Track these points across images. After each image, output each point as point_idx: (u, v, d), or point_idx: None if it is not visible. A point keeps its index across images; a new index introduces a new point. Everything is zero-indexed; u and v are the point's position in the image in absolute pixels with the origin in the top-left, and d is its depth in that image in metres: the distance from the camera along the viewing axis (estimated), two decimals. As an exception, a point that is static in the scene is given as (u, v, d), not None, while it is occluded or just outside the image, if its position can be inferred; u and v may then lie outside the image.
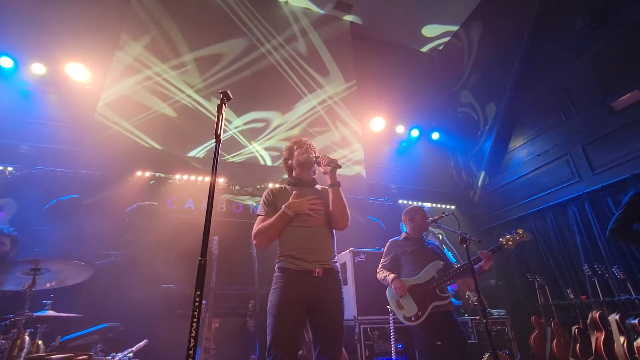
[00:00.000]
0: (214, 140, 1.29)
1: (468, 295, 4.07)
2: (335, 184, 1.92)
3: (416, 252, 2.78)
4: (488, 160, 5.63)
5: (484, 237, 2.54)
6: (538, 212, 4.75)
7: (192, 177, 4.13)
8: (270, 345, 1.61)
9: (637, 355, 3.11)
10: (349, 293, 3.41)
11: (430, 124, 6.14)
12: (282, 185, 2.08)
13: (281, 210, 1.84)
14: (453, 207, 5.77)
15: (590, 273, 3.81)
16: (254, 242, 1.85)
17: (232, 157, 4.59)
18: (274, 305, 1.71)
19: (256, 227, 1.87)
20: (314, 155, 2.03)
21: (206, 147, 4.48)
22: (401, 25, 6.47)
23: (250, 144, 4.72)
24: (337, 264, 1.91)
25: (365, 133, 5.66)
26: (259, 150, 4.74)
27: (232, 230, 3.87)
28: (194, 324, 1.01)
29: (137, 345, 2.23)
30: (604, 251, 3.84)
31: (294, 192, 1.95)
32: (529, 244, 4.86)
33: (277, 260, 1.87)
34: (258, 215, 1.95)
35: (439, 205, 5.69)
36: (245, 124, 4.82)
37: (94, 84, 4.19)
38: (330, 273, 1.83)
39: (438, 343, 2.62)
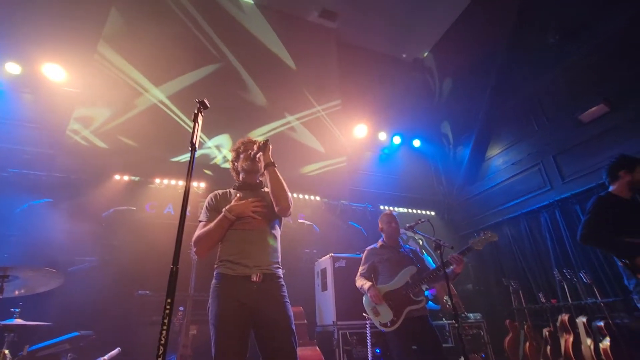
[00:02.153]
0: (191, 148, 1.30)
1: (446, 300, 4.16)
2: (269, 164, 1.82)
3: (392, 259, 2.84)
4: (466, 168, 5.80)
5: (462, 243, 2.62)
6: (513, 218, 4.93)
7: (173, 182, 4.08)
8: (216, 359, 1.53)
9: (603, 357, 3.25)
10: (328, 298, 3.44)
11: (411, 132, 6.28)
12: (226, 190, 2.00)
13: (221, 214, 1.74)
14: (433, 213, 5.91)
15: (560, 278, 3.97)
16: (194, 249, 1.74)
17: (214, 161, 4.57)
18: (214, 316, 1.61)
19: (196, 233, 1.77)
20: (257, 159, 1.90)
21: (204, 147, 4.47)
22: (384, 33, 6.62)
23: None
24: (280, 270, 1.82)
25: (348, 139, 5.73)
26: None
27: (212, 236, 3.84)
28: (164, 331, 1.01)
29: (109, 354, 2.18)
30: (572, 257, 4.02)
31: (237, 195, 1.87)
32: (503, 249, 5.03)
33: (216, 266, 1.77)
34: (200, 221, 1.84)
35: (419, 211, 5.81)
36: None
37: (71, 86, 4.09)
38: (272, 279, 1.74)
39: (414, 347, 2.67)
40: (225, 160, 4.49)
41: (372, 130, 5.89)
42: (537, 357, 3.92)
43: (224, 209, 1.75)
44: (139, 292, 3.11)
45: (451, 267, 2.55)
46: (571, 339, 3.63)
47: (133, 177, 3.99)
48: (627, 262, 2.24)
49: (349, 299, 3.27)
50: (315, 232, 4.26)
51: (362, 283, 2.82)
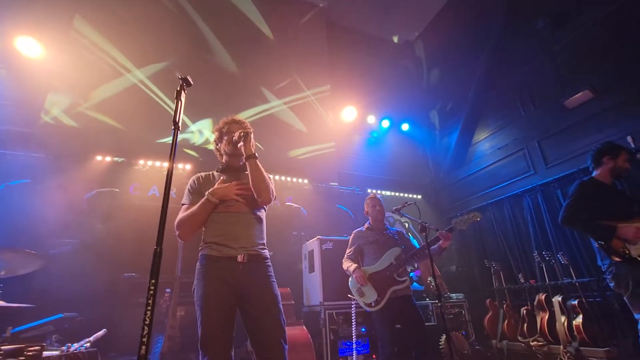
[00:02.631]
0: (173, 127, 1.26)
1: (430, 281, 4.29)
2: (250, 156, 1.77)
3: (377, 242, 2.90)
4: (453, 152, 5.86)
5: (447, 225, 2.68)
6: (497, 202, 5.05)
7: (157, 164, 4.00)
8: (201, 346, 1.54)
9: (575, 333, 3.44)
10: (315, 280, 3.49)
11: (400, 115, 6.27)
12: (209, 172, 1.96)
13: (204, 197, 1.72)
14: (419, 196, 5.99)
15: (539, 259, 4.12)
16: (177, 233, 1.72)
17: (201, 143, 4.47)
18: (200, 297, 1.61)
19: (179, 216, 1.74)
20: (240, 144, 1.84)
21: (187, 132, 4.36)
22: (374, 15, 6.48)
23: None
24: (266, 251, 1.82)
25: (336, 122, 5.69)
26: None
27: (198, 219, 3.80)
28: (149, 312, 1.00)
29: (94, 335, 2.17)
30: (552, 239, 4.17)
31: (220, 178, 1.85)
32: (487, 232, 5.17)
33: (200, 248, 1.76)
34: (182, 204, 1.81)
35: (406, 195, 5.88)
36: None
37: (48, 62, 3.89)
38: (257, 259, 1.74)
39: (397, 326, 2.76)
40: (208, 142, 4.41)
41: (361, 114, 5.85)
42: (514, 334, 4.11)
43: (207, 192, 1.73)
44: (125, 274, 3.09)
45: (438, 242, 2.59)
46: (547, 316, 3.81)
47: (116, 158, 3.88)
48: (603, 243, 2.35)
49: (335, 280, 3.33)
50: (303, 214, 4.27)
51: (348, 265, 2.87)
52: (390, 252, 2.82)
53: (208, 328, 1.55)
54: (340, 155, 5.54)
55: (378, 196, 3.15)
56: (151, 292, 1.02)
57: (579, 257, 3.85)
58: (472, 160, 5.61)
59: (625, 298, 2.31)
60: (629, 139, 3.55)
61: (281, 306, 1.71)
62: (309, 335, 3.04)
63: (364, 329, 3.31)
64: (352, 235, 3.07)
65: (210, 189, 1.74)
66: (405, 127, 6.31)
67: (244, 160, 1.95)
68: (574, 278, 3.70)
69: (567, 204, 2.50)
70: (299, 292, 3.76)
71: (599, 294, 3.59)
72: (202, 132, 4.48)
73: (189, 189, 1.85)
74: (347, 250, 3.01)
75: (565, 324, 3.55)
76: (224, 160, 1.98)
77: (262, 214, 1.91)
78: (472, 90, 5.55)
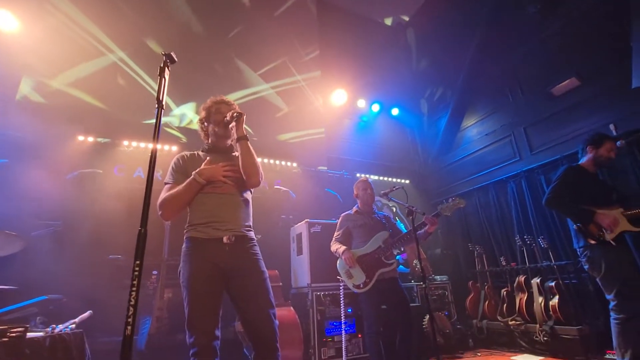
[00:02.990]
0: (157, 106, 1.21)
1: (415, 264, 4.39)
2: (241, 138, 1.75)
3: (366, 225, 2.93)
4: (442, 138, 5.90)
5: (433, 210, 2.73)
6: (482, 187, 5.15)
7: (143, 145, 3.89)
8: (188, 326, 1.54)
9: (551, 312, 3.60)
10: (303, 262, 3.52)
11: (390, 100, 6.24)
12: (194, 152, 1.92)
13: (191, 177, 1.68)
14: (407, 181, 6.05)
15: (520, 243, 4.26)
16: (159, 212, 1.68)
17: (186, 124, 4.37)
18: (186, 279, 1.61)
19: (162, 196, 1.70)
20: (230, 125, 1.82)
21: (171, 115, 4.23)
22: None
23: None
24: (252, 233, 1.82)
25: (326, 106, 5.63)
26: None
27: (186, 201, 3.76)
28: (133, 293, 0.99)
29: (80, 317, 2.16)
30: (533, 224, 4.30)
31: (207, 158, 1.80)
32: (471, 216, 5.29)
33: (186, 230, 1.74)
34: (166, 183, 1.77)
35: (394, 179, 5.93)
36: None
37: (24, 37, 3.67)
38: (244, 240, 1.73)
39: (383, 307, 2.84)
40: (192, 123, 4.31)
41: (351, 97, 5.79)
42: (494, 314, 4.28)
43: (193, 173, 1.69)
44: (110, 256, 3.05)
45: (425, 227, 2.65)
46: (525, 297, 3.97)
47: (99, 139, 3.76)
48: (581, 226, 2.46)
49: (323, 262, 3.37)
50: (292, 198, 4.27)
51: (336, 247, 2.90)
52: (378, 236, 2.86)
53: (194, 309, 1.54)
54: (330, 139, 5.51)
55: (369, 180, 3.16)
56: (136, 273, 1.01)
57: (558, 241, 3.99)
58: (460, 145, 5.67)
59: (598, 280, 2.43)
60: (612, 126, 3.63)
61: (269, 283, 1.72)
62: (297, 316, 3.09)
63: (350, 310, 3.39)
64: (341, 218, 3.09)
65: (197, 169, 1.70)
66: (395, 111, 6.29)
67: (231, 142, 1.94)
68: (553, 261, 3.85)
69: (552, 187, 2.59)
70: (287, 275, 3.80)
71: (575, 276, 3.75)
72: (185, 115, 4.37)
73: (172, 168, 1.81)
74: (336, 233, 3.04)
75: (542, 304, 3.71)
76: (210, 141, 1.94)
77: (249, 196, 1.90)
78: (462, 76, 5.55)
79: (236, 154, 1.90)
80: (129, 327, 0.96)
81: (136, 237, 1.07)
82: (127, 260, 3.20)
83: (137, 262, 1.02)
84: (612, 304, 2.33)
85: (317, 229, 3.60)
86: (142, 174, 3.79)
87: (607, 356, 3.11)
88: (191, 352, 1.51)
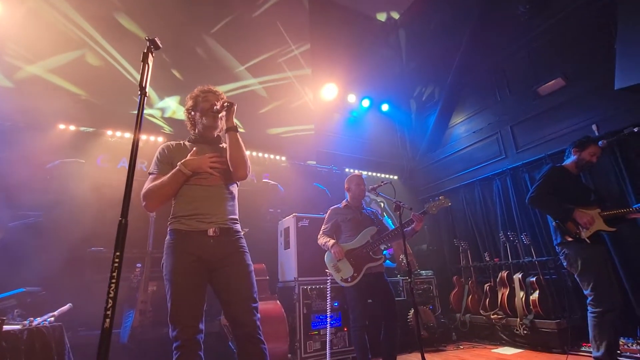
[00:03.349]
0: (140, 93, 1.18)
1: (402, 259, 4.44)
2: (231, 128, 1.73)
3: (354, 220, 2.93)
4: (430, 135, 5.94)
5: (420, 206, 2.76)
6: (469, 184, 5.22)
7: (127, 135, 3.80)
8: (170, 319, 1.52)
9: (531, 307, 3.71)
10: (291, 256, 3.52)
11: (380, 96, 6.25)
12: (180, 142, 1.87)
13: (176, 168, 1.64)
14: (396, 177, 6.09)
15: (504, 239, 4.36)
16: (143, 203, 1.64)
17: (171, 114, 4.28)
18: (169, 272, 1.58)
19: (146, 186, 1.66)
20: (220, 115, 1.80)
21: (155, 108, 4.13)
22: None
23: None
24: (238, 226, 1.78)
25: (316, 100, 5.60)
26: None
27: (172, 193, 3.70)
28: (113, 285, 0.97)
29: (59, 310, 2.11)
30: (517, 220, 4.39)
31: (193, 149, 1.75)
32: (457, 213, 5.37)
33: (169, 222, 1.70)
34: (150, 173, 1.73)
35: (383, 175, 5.96)
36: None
37: (3, 20, 3.51)
38: (229, 233, 1.70)
39: (369, 301, 2.86)
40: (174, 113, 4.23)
41: (342, 92, 5.77)
42: (477, 308, 4.38)
43: (179, 163, 1.65)
44: (92, 248, 2.98)
45: (412, 225, 2.68)
46: (507, 292, 4.07)
47: (82, 128, 3.65)
48: (559, 222, 2.58)
49: (310, 256, 3.37)
50: (280, 192, 4.24)
51: (325, 240, 2.90)
52: (366, 231, 2.87)
53: (177, 303, 1.52)
54: (320, 133, 5.49)
55: (363, 176, 3.16)
56: (116, 264, 0.98)
57: (540, 237, 4.09)
58: (448, 142, 5.73)
59: (576, 276, 2.53)
60: (594, 127, 3.72)
61: (254, 277, 1.69)
62: (282, 309, 3.10)
63: (336, 303, 3.41)
64: (330, 211, 3.09)
65: (183, 160, 1.66)
66: (385, 107, 6.30)
67: (219, 133, 1.90)
68: (534, 257, 3.95)
69: (536, 186, 2.69)
70: (274, 268, 3.80)
71: (555, 272, 3.86)
72: (169, 107, 4.28)
73: (157, 158, 1.77)
74: (324, 226, 3.04)
75: (523, 298, 3.81)
76: (197, 131, 1.89)
77: (235, 189, 1.87)
78: (452, 74, 5.58)
79: (224, 145, 1.86)
80: (108, 320, 0.93)
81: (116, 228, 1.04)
82: (109, 253, 3.11)
83: (117, 253, 0.99)
84: (589, 298, 2.43)
85: (304, 223, 3.59)
86: (127, 164, 3.70)
87: (583, 349, 3.22)
88: (174, 345, 1.49)
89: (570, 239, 2.52)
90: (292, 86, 5.34)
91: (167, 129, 4.21)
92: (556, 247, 2.65)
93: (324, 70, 5.74)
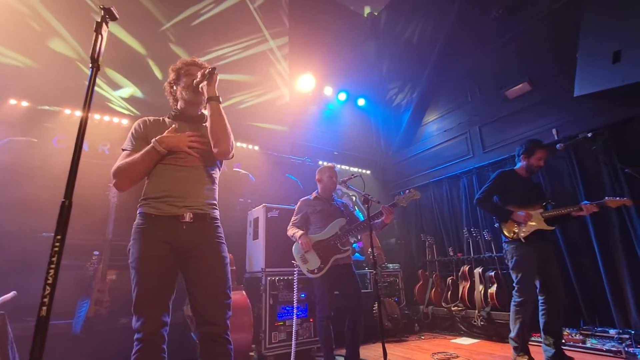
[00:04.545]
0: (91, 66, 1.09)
1: (370, 252, 4.52)
2: (212, 98, 1.58)
3: (324, 211, 2.93)
4: (404, 132, 6.05)
5: (390, 200, 2.83)
6: (437, 181, 5.37)
7: (95, 116, 3.57)
8: (134, 309, 1.41)
9: (489, 299, 3.90)
10: (259, 247, 3.48)
11: (357, 90, 6.26)
12: (159, 118, 1.72)
13: (150, 144, 1.51)
14: (368, 172, 6.16)
15: (467, 235, 4.54)
16: (113, 181, 1.51)
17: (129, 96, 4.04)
18: (135, 259, 1.45)
19: (117, 163, 1.53)
20: (200, 90, 1.64)
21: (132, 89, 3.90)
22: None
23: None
24: (216, 212, 1.64)
25: (292, 90, 5.52)
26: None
27: (136, 179, 3.53)
28: (52, 271, 0.90)
29: (2, 297, 1.96)
30: (480, 217, 4.58)
31: (172, 126, 1.61)
32: (425, 208, 5.51)
33: (139, 205, 1.56)
34: (123, 149, 1.60)
35: (356, 169, 6.01)
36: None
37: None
38: (205, 219, 1.56)
39: (336, 292, 2.89)
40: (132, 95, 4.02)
41: (318, 84, 5.72)
42: (439, 301, 4.55)
43: (153, 140, 1.52)
44: (44, 234, 2.79)
45: (381, 217, 2.71)
46: (468, 285, 4.25)
47: (39, 106, 3.38)
48: (501, 224, 2.87)
49: (278, 247, 3.34)
50: (251, 181, 4.17)
51: (293, 232, 2.89)
52: (335, 222, 2.88)
53: (143, 292, 1.41)
54: (295, 125, 5.43)
55: (335, 168, 3.15)
56: (56, 248, 0.91)
57: (500, 234, 4.27)
58: (420, 140, 5.86)
59: (510, 268, 2.82)
60: (554, 131, 3.92)
61: (229, 270, 1.57)
62: (248, 300, 3.06)
63: (303, 295, 3.42)
64: (299, 202, 3.07)
65: (159, 137, 1.53)
66: (361, 102, 6.33)
67: (202, 109, 1.75)
68: (494, 252, 4.14)
69: (483, 189, 2.94)
70: (242, 259, 3.74)
71: (512, 267, 4.07)
72: (126, 90, 4.06)
73: (132, 133, 1.62)
74: (293, 218, 3.02)
75: (482, 292, 4.01)
76: (178, 107, 1.75)
77: (216, 173, 1.73)
78: (427, 72, 5.69)
79: (207, 124, 1.72)
80: (45, 308, 0.86)
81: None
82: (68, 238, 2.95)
83: (59, 237, 0.92)
84: (515, 288, 2.74)
85: (274, 214, 3.55)
86: (87, 147, 3.48)
87: (532, 339, 3.43)
88: (136, 336, 1.39)
89: (510, 238, 2.79)
90: (268, 77, 5.23)
91: (132, 112, 3.98)
92: (502, 244, 2.92)
93: (301, 59, 5.66)
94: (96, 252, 2.88)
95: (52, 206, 2.96)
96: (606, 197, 2.64)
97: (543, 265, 2.73)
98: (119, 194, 3.17)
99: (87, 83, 1.07)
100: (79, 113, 3.55)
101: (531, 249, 2.71)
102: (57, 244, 0.91)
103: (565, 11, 3.96)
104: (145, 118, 1.69)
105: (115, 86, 3.89)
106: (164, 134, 1.55)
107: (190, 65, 1.74)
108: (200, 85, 1.62)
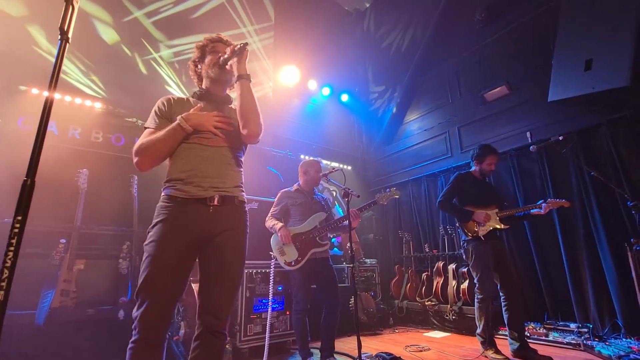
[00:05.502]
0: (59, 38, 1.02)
1: (348, 247, 4.56)
2: (242, 76, 1.51)
3: (305, 204, 2.92)
4: (386, 129, 6.11)
5: (370, 197, 2.86)
6: (416, 179, 5.48)
7: (58, 96, 3.38)
8: (140, 289, 1.28)
9: (461, 294, 4.02)
10: (237, 239, 3.42)
11: (341, 85, 6.26)
12: (183, 97, 1.64)
13: (175, 122, 1.43)
14: (350, 167, 6.20)
15: (443, 232, 4.65)
16: (135, 160, 1.41)
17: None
18: (153, 243, 1.34)
19: (140, 141, 1.43)
20: (229, 67, 1.57)
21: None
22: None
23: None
24: (244, 194, 1.57)
25: (276, 83, 5.45)
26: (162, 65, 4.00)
27: (108, 165, 3.37)
28: (10, 253, 0.84)
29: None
30: (456, 215, 4.70)
31: (198, 105, 1.54)
32: (404, 206, 5.61)
33: (164, 187, 1.46)
34: (145, 127, 1.51)
35: (338, 164, 6.02)
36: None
37: None
38: (232, 202, 1.47)
39: (313, 286, 2.89)
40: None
41: (302, 77, 5.68)
42: (414, 295, 4.65)
43: (179, 117, 1.44)
44: (5, 219, 2.63)
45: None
46: (441, 281, 4.37)
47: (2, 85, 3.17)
48: (462, 224, 3.01)
49: (257, 240, 3.28)
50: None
51: (273, 223, 2.86)
52: (316, 216, 2.88)
53: (154, 272, 1.29)
54: (277, 118, 5.37)
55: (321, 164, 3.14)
56: (15, 230, 0.85)
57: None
58: (401, 138, 5.94)
59: (470, 267, 2.98)
60: (528, 134, 4.08)
61: (244, 265, 1.50)
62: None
63: (280, 287, 3.41)
64: (280, 194, 3.04)
65: (184, 114, 1.45)
66: (344, 98, 6.34)
67: (229, 89, 1.70)
68: (468, 249, 4.27)
69: (443, 192, 3.08)
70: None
71: (484, 264, 4.22)
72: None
73: (155, 112, 1.53)
74: (273, 209, 2.99)
75: (455, 287, 4.13)
76: (203, 86, 1.67)
77: (242, 155, 1.64)
78: (410, 72, 5.76)
79: (233, 106, 1.64)
80: (2, 292, 0.81)
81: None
82: (30, 225, 2.79)
83: (19, 217, 0.87)
84: (476, 285, 2.89)
85: (253, 206, 3.51)
86: (56, 129, 3.30)
87: (500, 332, 3.57)
88: (134, 325, 1.28)
89: (470, 237, 2.93)
90: (252, 72, 5.13)
91: (100, 94, 3.79)
92: (461, 242, 3.07)
93: (286, 52, 5.59)
94: (63, 240, 2.75)
95: (15, 191, 2.80)
96: (549, 199, 2.86)
97: (500, 262, 2.90)
98: (90, 181, 3.04)
99: (54, 58, 1.00)
100: (47, 94, 3.35)
101: (488, 247, 2.87)
102: (17, 225, 0.85)
103: (544, 19, 4.10)
104: (169, 96, 1.60)
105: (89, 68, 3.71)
106: (190, 112, 1.48)
107: (216, 42, 1.65)
108: (229, 62, 1.54)
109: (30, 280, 2.65)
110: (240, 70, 1.52)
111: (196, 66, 1.69)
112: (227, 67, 1.56)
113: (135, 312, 1.28)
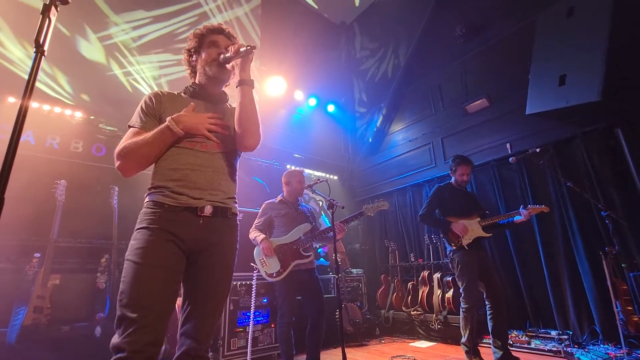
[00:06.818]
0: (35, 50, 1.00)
1: (334, 257, 4.55)
2: (246, 82, 1.38)
3: (289, 215, 2.91)
4: (372, 140, 6.18)
5: (357, 208, 2.87)
6: (402, 189, 5.54)
7: (35, 105, 3.29)
8: (126, 305, 1.09)
9: (446, 303, 4.05)
10: (221, 250, 3.37)
11: (327, 96, 6.32)
12: (174, 92, 1.47)
13: (165, 123, 1.27)
14: (336, 177, 6.22)
15: (428, 242, 4.70)
16: (117, 164, 1.26)
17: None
18: (136, 250, 1.17)
19: (123, 142, 1.27)
20: (231, 68, 1.43)
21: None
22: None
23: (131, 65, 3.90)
24: (237, 205, 1.45)
25: (263, 94, 5.46)
26: (142, 74, 3.94)
27: (87, 176, 3.28)
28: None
29: None
30: (440, 225, 4.76)
31: (190, 104, 1.36)
32: (390, 215, 5.65)
33: (149, 192, 1.31)
34: (129, 126, 1.35)
35: (324, 174, 6.04)
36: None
37: None
38: (225, 214, 1.35)
39: (298, 298, 2.86)
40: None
41: (289, 87, 5.71)
42: (400, 305, 4.66)
43: (168, 118, 1.28)
44: (-24, 233, 2.52)
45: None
46: (427, 290, 4.40)
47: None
48: (444, 235, 3.08)
49: (241, 252, 3.24)
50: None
51: (255, 235, 2.84)
52: (300, 227, 2.86)
53: (139, 286, 1.12)
54: (263, 127, 5.34)
55: (305, 173, 3.14)
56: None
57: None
58: (387, 148, 6.02)
59: (455, 276, 3.01)
60: (508, 145, 4.20)
61: (231, 280, 1.39)
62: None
63: (265, 300, 3.36)
64: (264, 205, 3.02)
65: (175, 115, 1.29)
66: (331, 108, 6.39)
67: (225, 87, 1.54)
68: (452, 258, 4.32)
69: (424, 204, 3.15)
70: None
71: (468, 272, 4.27)
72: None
73: (142, 108, 1.37)
74: (257, 220, 2.97)
75: (440, 296, 4.16)
76: (197, 81, 1.50)
77: (236, 162, 1.51)
78: (394, 83, 5.88)
79: (229, 105, 1.53)
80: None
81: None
82: (6, 239, 2.68)
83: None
84: (462, 295, 2.92)
85: (238, 217, 3.46)
86: (33, 139, 3.21)
87: (484, 341, 3.60)
88: (116, 345, 1.09)
89: (454, 247, 2.98)
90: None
91: (70, 101, 3.72)
92: (447, 253, 3.11)
93: (273, 62, 5.63)
94: (37, 254, 2.65)
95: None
96: (529, 205, 2.95)
97: (485, 271, 2.94)
98: (68, 192, 2.95)
99: (30, 68, 0.98)
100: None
101: (473, 257, 2.92)
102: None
103: (521, 35, 4.27)
104: (158, 91, 1.43)
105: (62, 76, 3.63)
106: (181, 113, 1.32)
107: (217, 34, 1.48)
108: (230, 63, 1.41)
109: (1, 296, 2.54)
110: (243, 75, 1.39)
111: (190, 56, 1.52)
112: (228, 66, 1.44)
113: (120, 338, 1.06)
